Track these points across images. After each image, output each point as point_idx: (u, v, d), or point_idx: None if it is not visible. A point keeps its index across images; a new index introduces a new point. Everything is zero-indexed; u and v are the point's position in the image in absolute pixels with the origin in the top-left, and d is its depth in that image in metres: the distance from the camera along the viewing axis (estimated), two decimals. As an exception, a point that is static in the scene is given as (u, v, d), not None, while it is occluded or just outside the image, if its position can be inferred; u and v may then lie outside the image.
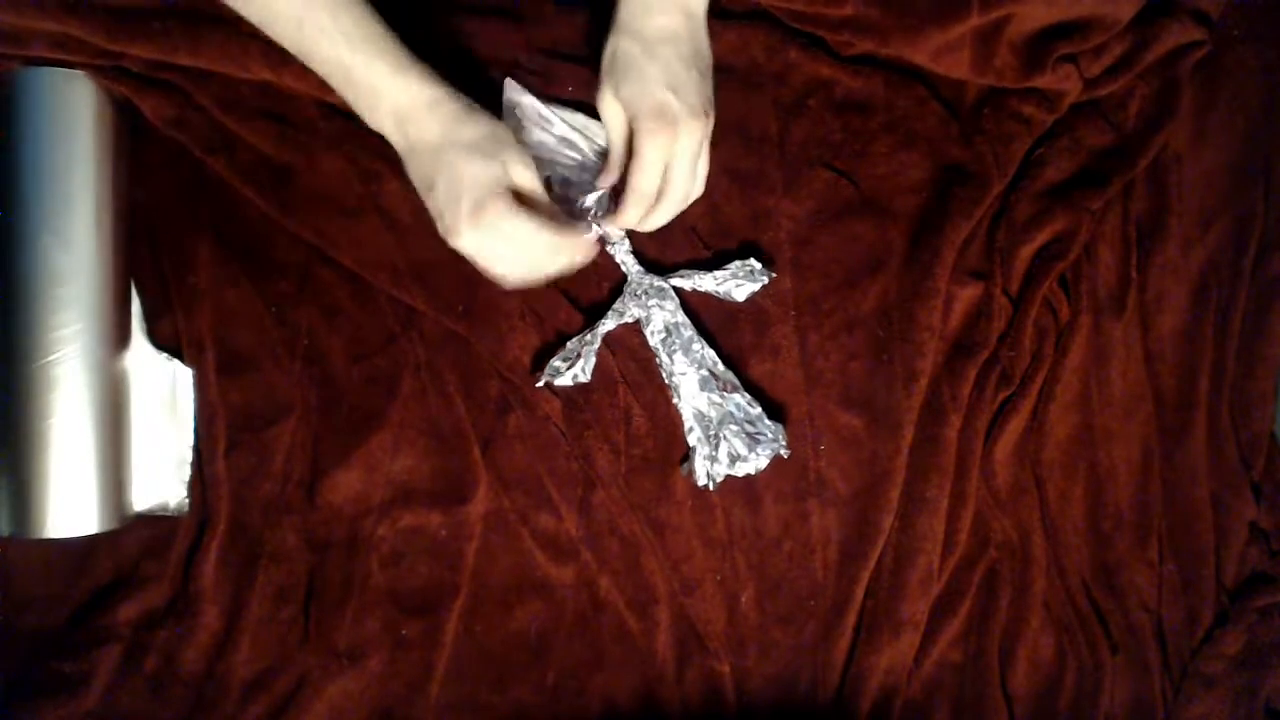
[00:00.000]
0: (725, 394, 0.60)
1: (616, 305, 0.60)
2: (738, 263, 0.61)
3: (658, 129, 0.52)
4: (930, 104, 0.65)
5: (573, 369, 0.59)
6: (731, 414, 0.60)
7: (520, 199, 0.52)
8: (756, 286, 0.61)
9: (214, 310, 0.60)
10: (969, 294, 0.64)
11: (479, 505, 0.61)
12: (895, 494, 0.62)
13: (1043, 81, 0.63)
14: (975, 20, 0.61)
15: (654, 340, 0.60)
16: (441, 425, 0.61)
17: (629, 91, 0.52)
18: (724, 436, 0.59)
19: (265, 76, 0.58)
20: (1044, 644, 0.64)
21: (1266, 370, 0.67)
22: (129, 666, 0.58)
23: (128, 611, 0.58)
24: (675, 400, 0.60)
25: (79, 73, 0.56)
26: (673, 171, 0.54)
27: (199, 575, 0.58)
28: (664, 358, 0.60)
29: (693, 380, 0.60)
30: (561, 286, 0.61)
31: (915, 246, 0.64)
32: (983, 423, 0.63)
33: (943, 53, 0.63)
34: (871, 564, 0.62)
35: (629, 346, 0.61)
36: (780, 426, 0.60)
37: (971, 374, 0.63)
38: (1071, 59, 0.63)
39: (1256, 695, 0.64)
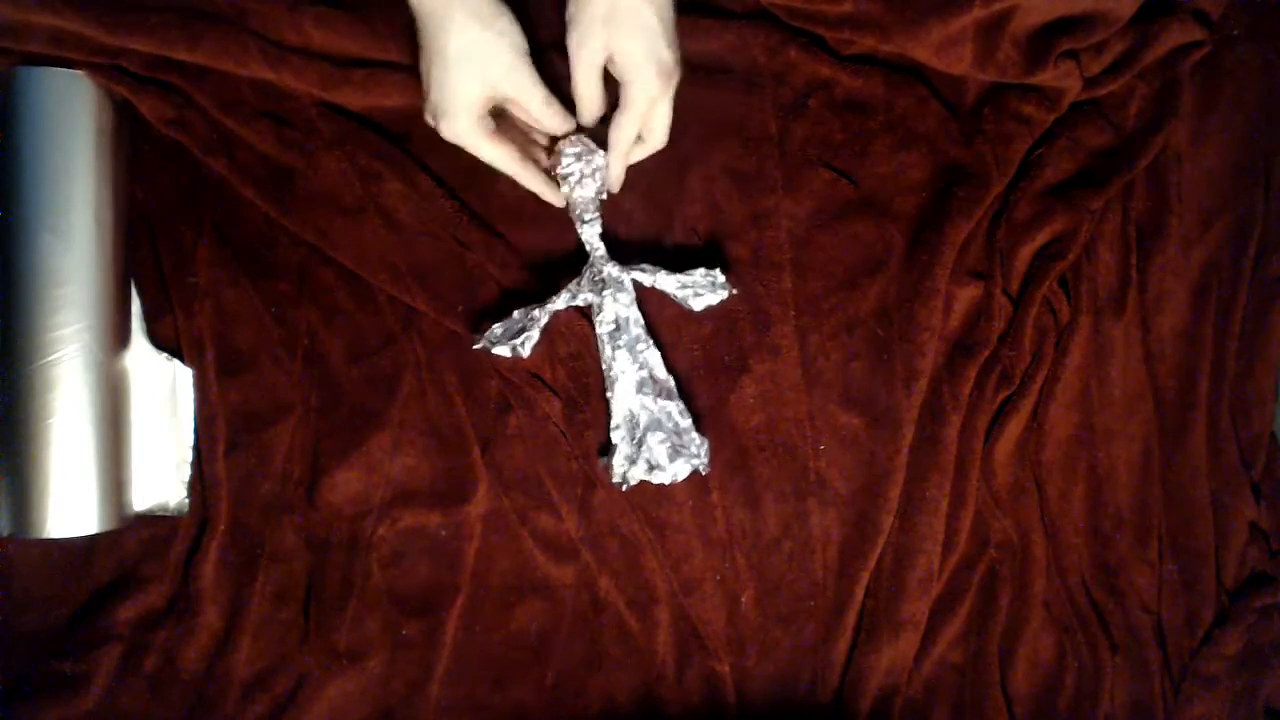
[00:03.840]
0: (659, 399, 0.59)
1: (571, 286, 0.59)
2: (702, 270, 0.60)
3: (653, 80, 0.53)
4: (930, 104, 0.65)
5: (513, 341, 0.58)
6: (660, 421, 0.58)
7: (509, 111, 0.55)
8: (715, 300, 0.60)
9: (214, 310, 0.60)
10: (969, 294, 0.64)
11: (479, 505, 0.61)
12: (895, 494, 0.62)
13: (1044, 78, 0.63)
14: (978, 12, 0.61)
15: (601, 330, 0.59)
16: (441, 425, 0.61)
17: (625, 43, 0.52)
18: (647, 443, 0.58)
19: (264, 74, 0.58)
20: (1044, 644, 0.64)
21: (1266, 370, 0.67)
22: (129, 666, 0.58)
23: (128, 611, 0.58)
24: (609, 394, 0.59)
25: (78, 72, 0.56)
26: (657, 120, 0.56)
27: (199, 575, 0.58)
28: (606, 350, 0.59)
29: (630, 380, 0.59)
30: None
31: (915, 246, 0.64)
32: (983, 423, 0.63)
33: (944, 47, 0.63)
34: (871, 564, 0.62)
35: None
36: (706, 443, 0.59)
37: (971, 374, 0.63)
38: (1073, 55, 0.63)
39: (1256, 695, 0.64)
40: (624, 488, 0.58)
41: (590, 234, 0.60)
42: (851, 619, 0.62)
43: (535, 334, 0.58)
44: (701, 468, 0.59)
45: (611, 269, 0.59)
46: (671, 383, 0.60)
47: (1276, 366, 0.67)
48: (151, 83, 0.58)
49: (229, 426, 0.60)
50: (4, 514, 0.55)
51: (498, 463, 0.61)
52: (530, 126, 0.59)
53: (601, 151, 0.59)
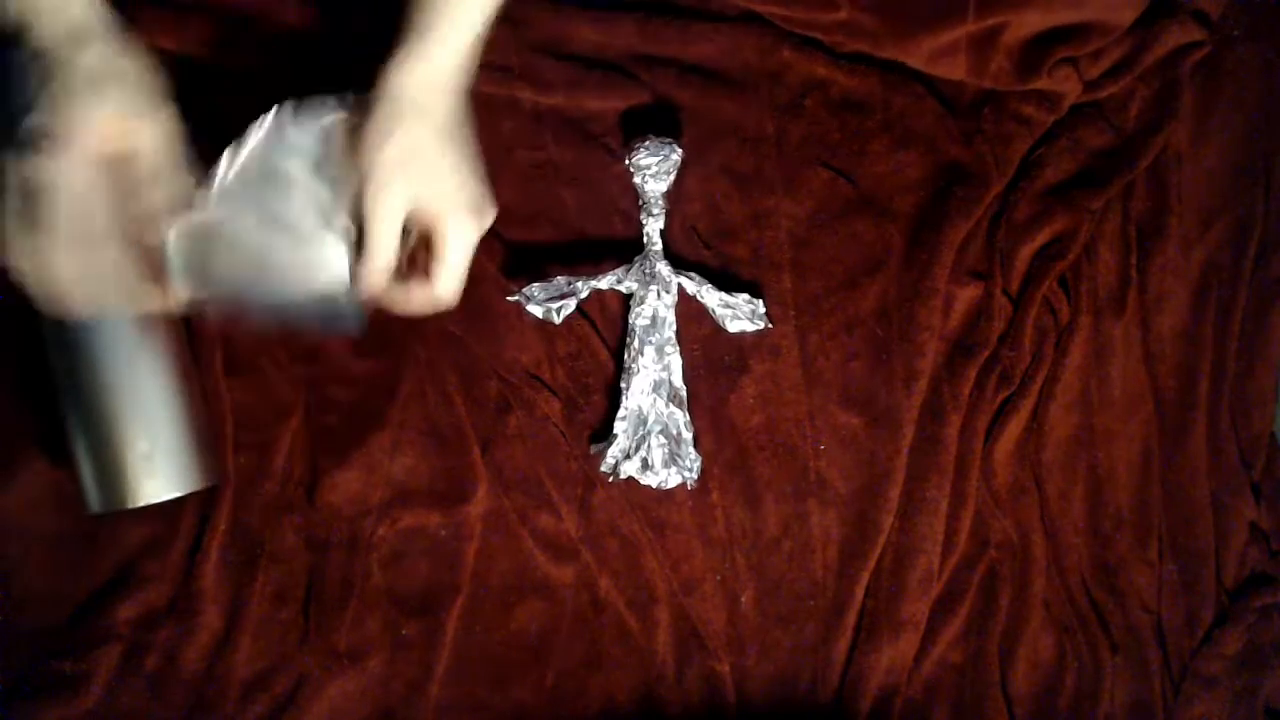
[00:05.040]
0: (670, 404, 0.59)
1: (619, 270, 0.60)
2: (746, 297, 0.61)
3: (469, 222, 0.50)
4: (927, 102, 0.65)
5: (550, 304, 0.59)
6: (666, 426, 0.59)
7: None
8: (751, 328, 0.61)
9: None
10: (969, 294, 0.64)
11: (479, 505, 0.61)
12: (895, 494, 0.62)
13: (1040, 84, 0.63)
14: (970, 26, 0.61)
15: (636, 321, 0.60)
16: (441, 425, 0.61)
17: (434, 187, 0.48)
18: (649, 442, 0.59)
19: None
20: (1044, 644, 0.64)
21: (1266, 370, 0.67)
22: (129, 666, 0.57)
23: (128, 611, 0.58)
24: (623, 384, 0.60)
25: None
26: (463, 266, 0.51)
27: (199, 575, 0.58)
28: (635, 342, 0.60)
29: (649, 377, 0.59)
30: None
31: (914, 246, 0.64)
32: (983, 423, 0.63)
33: (938, 57, 0.63)
34: (871, 564, 0.62)
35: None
36: (700, 460, 0.60)
37: (971, 374, 0.63)
38: (1070, 61, 0.63)
39: (1256, 695, 0.64)
40: (610, 479, 0.59)
41: (653, 228, 0.61)
42: (851, 619, 0.62)
43: (572, 305, 0.59)
44: (690, 482, 0.60)
45: (663, 267, 0.60)
46: (684, 392, 0.60)
47: (1276, 366, 0.67)
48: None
49: (231, 426, 0.59)
50: (93, 491, 0.53)
51: (498, 463, 0.61)
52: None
53: (679, 149, 0.59)
